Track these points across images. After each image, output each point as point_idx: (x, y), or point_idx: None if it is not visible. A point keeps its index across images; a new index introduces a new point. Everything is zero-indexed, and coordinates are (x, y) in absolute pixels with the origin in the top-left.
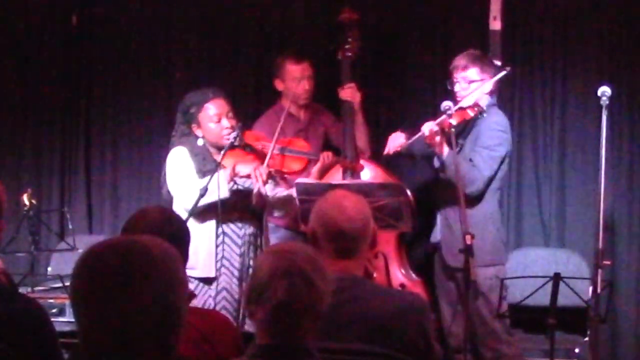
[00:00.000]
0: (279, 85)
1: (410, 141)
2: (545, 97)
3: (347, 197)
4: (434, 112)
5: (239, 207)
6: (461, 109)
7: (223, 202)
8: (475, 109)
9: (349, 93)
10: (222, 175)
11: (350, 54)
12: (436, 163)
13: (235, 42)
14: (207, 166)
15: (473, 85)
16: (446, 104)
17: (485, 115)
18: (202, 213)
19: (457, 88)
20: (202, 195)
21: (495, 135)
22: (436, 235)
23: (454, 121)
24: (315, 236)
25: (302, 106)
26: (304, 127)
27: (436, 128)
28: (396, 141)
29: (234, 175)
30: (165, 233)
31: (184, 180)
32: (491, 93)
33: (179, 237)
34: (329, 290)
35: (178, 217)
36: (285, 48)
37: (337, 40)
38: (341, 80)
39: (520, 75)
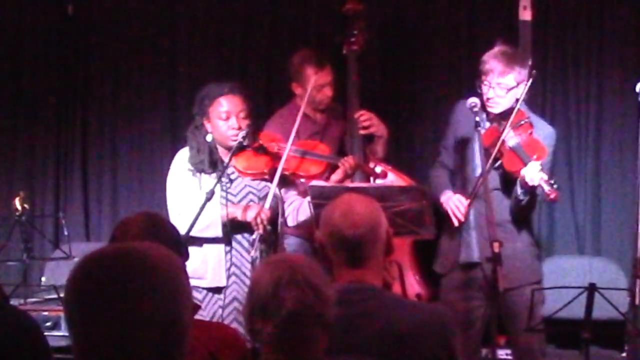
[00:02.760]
0: (296, 89)
1: (473, 197)
2: (579, 93)
3: (353, 201)
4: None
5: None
6: (519, 127)
7: (225, 225)
8: (528, 124)
9: (373, 123)
10: (217, 213)
11: (355, 47)
12: (521, 195)
13: (244, 33)
14: (204, 163)
15: (511, 92)
16: (472, 100)
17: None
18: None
19: (490, 94)
20: (208, 199)
21: (549, 152)
22: (471, 254)
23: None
24: (323, 246)
25: (320, 110)
26: (320, 130)
27: (546, 177)
28: (461, 207)
29: (231, 217)
30: (153, 241)
31: (178, 204)
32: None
33: (170, 245)
34: (333, 297)
35: (167, 223)
36: (298, 40)
37: (342, 33)
38: (348, 76)
39: (552, 70)
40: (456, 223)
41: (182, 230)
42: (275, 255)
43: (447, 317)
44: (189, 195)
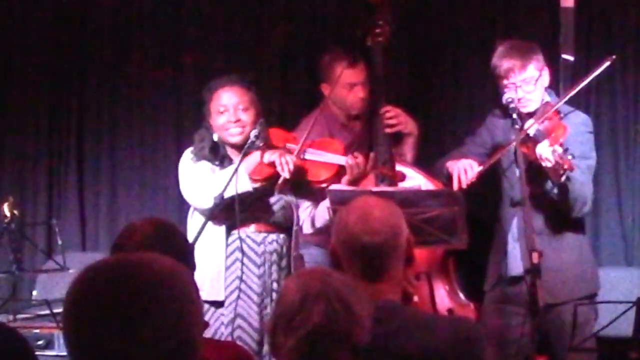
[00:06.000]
0: (325, 89)
1: (489, 165)
2: (627, 89)
3: (372, 205)
4: (493, 104)
5: (258, 212)
6: (549, 119)
7: (242, 201)
8: (559, 115)
9: (401, 120)
10: (244, 166)
11: (381, 39)
12: (550, 187)
13: (257, 21)
14: (205, 149)
15: (538, 83)
16: (508, 96)
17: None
18: (213, 221)
19: (520, 94)
20: (216, 204)
21: (586, 140)
22: (514, 267)
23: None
24: (336, 254)
25: (355, 115)
26: (357, 140)
27: (560, 150)
28: (470, 171)
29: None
30: (160, 251)
31: (196, 179)
32: (550, 86)
33: (178, 255)
34: (368, 321)
35: (176, 231)
36: (316, 31)
37: (366, 24)
38: (372, 69)
39: (596, 63)
40: (456, 186)
41: (204, 205)
42: (308, 267)
43: (473, 330)
44: (199, 176)
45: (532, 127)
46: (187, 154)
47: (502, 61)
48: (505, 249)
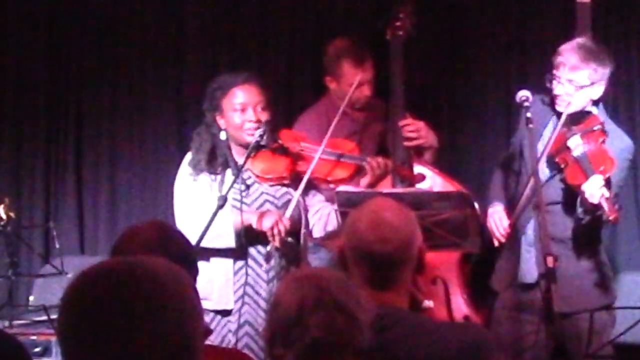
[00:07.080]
0: (330, 83)
1: (518, 214)
2: None
3: (385, 209)
4: (507, 103)
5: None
6: (589, 133)
7: (239, 235)
8: (605, 135)
9: (421, 135)
10: (230, 220)
11: (401, 32)
12: (580, 214)
13: (262, 17)
14: (201, 164)
15: (582, 91)
16: (522, 94)
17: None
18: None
19: (559, 90)
20: (220, 206)
21: (624, 169)
22: (528, 273)
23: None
24: (344, 257)
25: (357, 108)
26: (359, 129)
27: (608, 194)
28: (501, 224)
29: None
30: (162, 255)
31: (184, 215)
32: (600, 100)
33: (181, 259)
34: (368, 321)
35: (178, 234)
36: (324, 25)
37: (386, 17)
38: (391, 64)
39: (614, 58)
40: (495, 243)
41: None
42: (300, 270)
43: (482, 337)
44: (195, 204)
45: (577, 145)
46: (185, 169)
47: (562, 51)
48: (519, 251)
